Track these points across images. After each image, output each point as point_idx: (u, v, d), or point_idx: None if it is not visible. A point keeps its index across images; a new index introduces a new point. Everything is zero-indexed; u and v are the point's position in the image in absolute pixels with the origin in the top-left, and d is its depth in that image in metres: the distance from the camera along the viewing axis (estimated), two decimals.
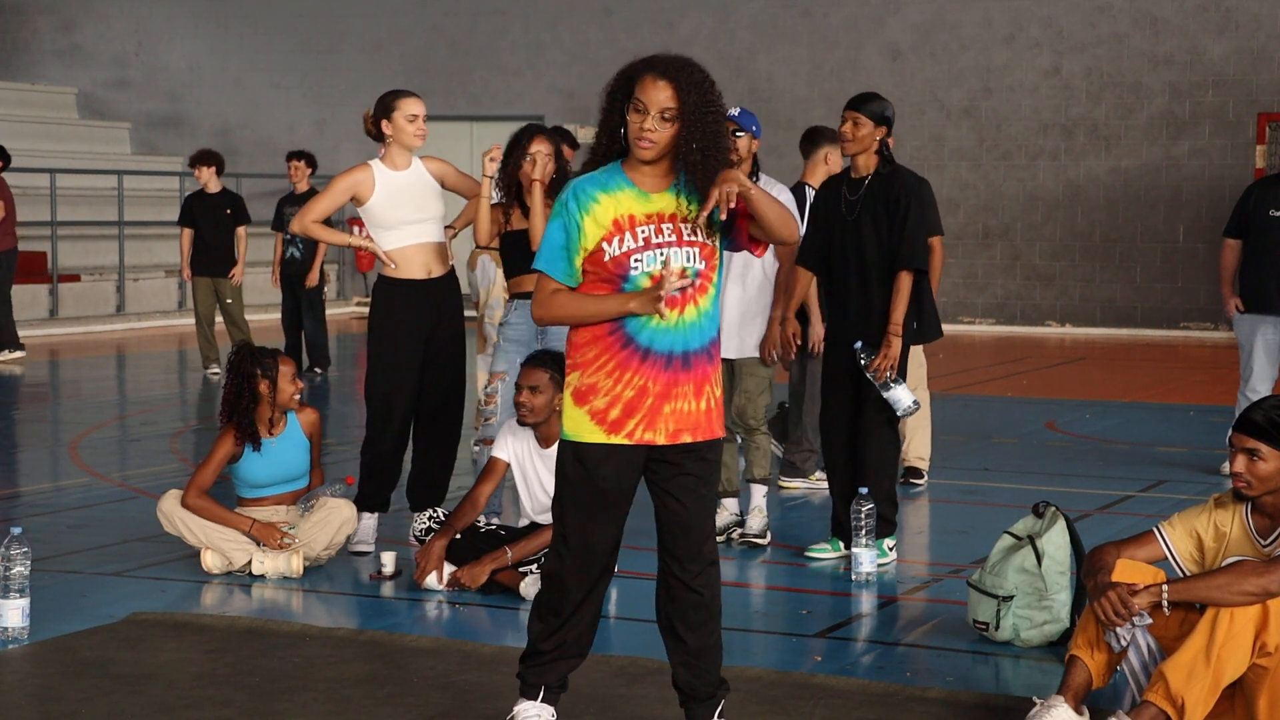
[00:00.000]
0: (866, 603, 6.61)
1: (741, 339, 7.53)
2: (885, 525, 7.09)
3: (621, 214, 4.46)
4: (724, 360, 7.49)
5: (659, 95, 4.39)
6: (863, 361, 6.86)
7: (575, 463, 4.54)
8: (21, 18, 25.50)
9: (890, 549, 7.13)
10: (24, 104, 24.04)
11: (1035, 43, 20.47)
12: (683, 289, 4.42)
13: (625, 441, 4.48)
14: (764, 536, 7.53)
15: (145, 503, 8.20)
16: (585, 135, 22.27)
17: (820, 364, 7.66)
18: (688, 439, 4.51)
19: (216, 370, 14.60)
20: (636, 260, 4.44)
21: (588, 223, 4.46)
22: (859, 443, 7.03)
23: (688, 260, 4.44)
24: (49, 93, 24.73)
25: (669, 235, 4.46)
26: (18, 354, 15.72)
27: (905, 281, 6.88)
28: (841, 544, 7.21)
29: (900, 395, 6.91)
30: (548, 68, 22.52)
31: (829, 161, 8.67)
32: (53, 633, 5.90)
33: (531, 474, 6.76)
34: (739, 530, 7.62)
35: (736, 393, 7.57)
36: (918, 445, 9.04)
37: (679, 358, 4.47)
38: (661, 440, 4.49)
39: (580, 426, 4.52)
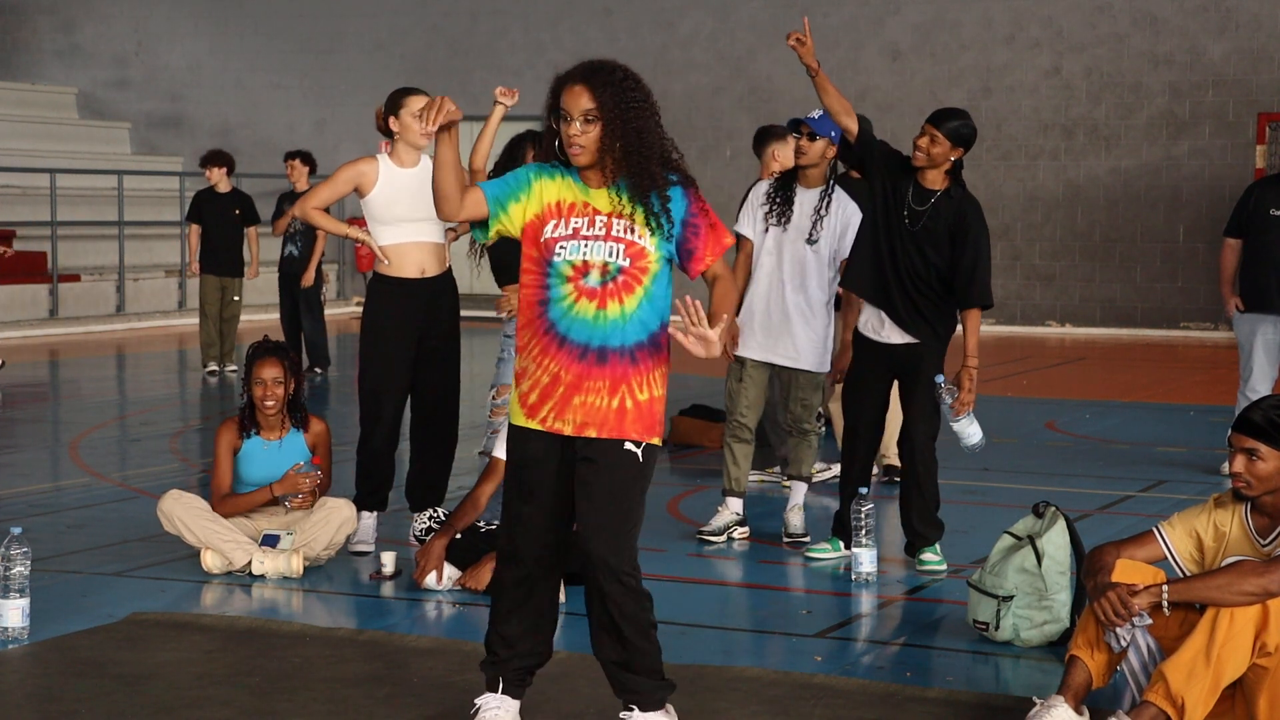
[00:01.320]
0: (866, 603, 6.61)
1: (800, 352, 7.48)
2: (937, 530, 7.08)
3: (562, 199, 4.61)
4: (782, 367, 7.51)
5: (578, 101, 4.56)
6: (944, 397, 6.82)
7: (509, 445, 4.70)
8: (21, 18, 25.50)
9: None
10: (24, 104, 24.03)
11: (1035, 43, 20.47)
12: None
13: (538, 427, 4.58)
14: (805, 535, 7.53)
15: (145, 503, 8.19)
16: None
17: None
18: (592, 433, 4.54)
19: (215, 369, 14.63)
20: (561, 248, 4.56)
21: (537, 187, 4.63)
22: (910, 453, 7.02)
23: (610, 255, 4.54)
24: (49, 93, 24.74)
25: (598, 229, 4.56)
26: None
27: (977, 318, 6.85)
28: (841, 544, 7.20)
29: (974, 430, 6.89)
30: (548, 68, 22.46)
31: (777, 158, 8.66)
32: (53, 633, 5.90)
33: None
34: (742, 530, 7.62)
35: (792, 399, 7.55)
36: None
37: (594, 351, 4.53)
38: (568, 431, 4.56)
39: (514, 409, 4.66)
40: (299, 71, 23.91)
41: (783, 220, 7.46)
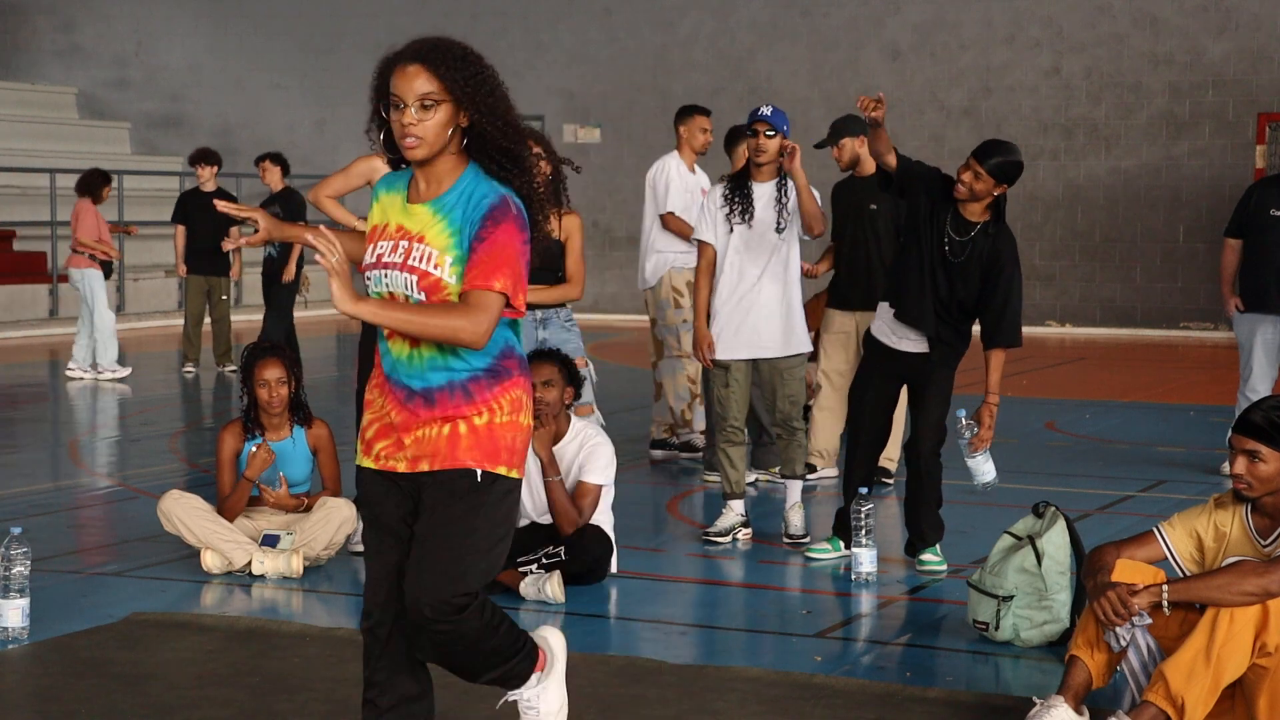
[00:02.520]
0: (866, 603, 6.61)
1: (788, 337, 7.51)
2: (939, 532, 7.08)
3: (383, 219, 4.06)
4: (764, 360, 7.52)
5: (414, 83, 3.89)
6: (963, 433, 6.79)
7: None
8: (21, 18, 25.50)
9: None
10: (24, 104, 24.03)
11: (1035, 42, 20.48)
12: None
13: (373, 465, 4.09)
14: (806, 535, 7.52)
15: (145, 503, 8.20)
16: (586, 135, 22.31)
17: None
18: (425, 466, 4.00)
19: (192, 370, 14.66)
20: (368, 278, 4.03)
21: (371, 211, 4.13)
22: (917, 456, 6.99)
23: (406, 288, 3.93)
24: (49, 92, 24.74)
25: (399, 255, 3.96)
26: None
27: (1001, 357, 6.81)
28: (841, 543, 7.21)
29: (988, 468, 6.89)
30: (548, 68, 22.52)
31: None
32: (53, 633, 5.90)
33: (535, 474, 6.77)
34: (745, 532, 7.62)
35: (779, 395, 7.54)
36: (888, 447, 9.14)
37: (419, 394, 3.99)
38: (402, 467, 4.03)
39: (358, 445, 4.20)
40: (299, 71, 23.91)
41: (746, 217, 7.48)
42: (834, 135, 9.12)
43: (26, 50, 25.47)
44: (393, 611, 4.07)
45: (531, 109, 22.11)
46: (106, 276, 14.65)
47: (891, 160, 6.92)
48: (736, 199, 7.51)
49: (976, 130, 20.57)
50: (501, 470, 3.99)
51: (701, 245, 7.57)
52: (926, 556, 7.01)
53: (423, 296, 3.91)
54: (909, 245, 6.93)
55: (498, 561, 4.04)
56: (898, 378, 7.06)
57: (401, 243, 3.96)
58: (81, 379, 14.29)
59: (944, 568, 6.98)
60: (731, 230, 7.50)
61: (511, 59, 22.64)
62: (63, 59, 25.32)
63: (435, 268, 3.91)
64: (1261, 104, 19.53)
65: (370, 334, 7.03)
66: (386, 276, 3.96)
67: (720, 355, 7.52)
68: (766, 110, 7.43)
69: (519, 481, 4.06)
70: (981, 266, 6.76)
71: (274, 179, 14.26)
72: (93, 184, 14.49)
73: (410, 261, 3.93)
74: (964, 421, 6.81)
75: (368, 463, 4.09)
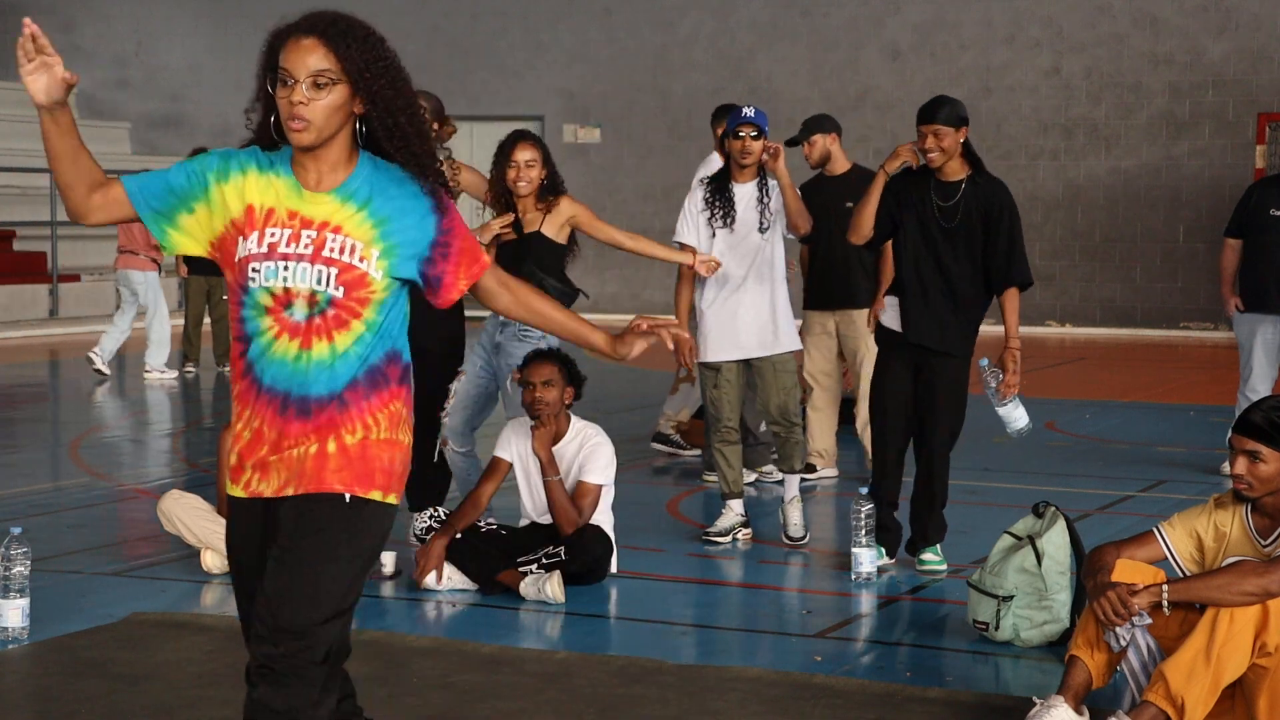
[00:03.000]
0: (866, 603, 6.61)
1: (776, 336, 7.51)
2: (941, 532, 7.03)
3: (262, 202, 3.53)
4: (755, 360, 7.51)
5: (307, 59, 3.44)
6: (989, 381, 6.74)
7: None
8: (20, 17, 25.47)
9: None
10: (24, 104, 23.88)
11: (1035, 42, 20.48)
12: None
13: (243, 493, 3.62)
14: (804, 537, 7.51)
15: (145, 503, 8.20)
16: (586, 135, 22.30)
17: None
18: (291, 490, 3.54)
19: (192, 370, 14.66)
20: (255, 270, 3.49)
21: (219, 191, 3.54)
22: (928, 454, 6.90)
23: (318, 282, 3.47)
24: None
25: (304, 246, 3.48)
26: None
27: (1016, 298, 6.76)
28: (884, 550, 7.03)
29: (1020, 414, 6.84)
30: (548, 68, 22.53)
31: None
32: (53, 633, 5.90)
33: (535, 474, 6.77)
34: (745, 532, 7.62)
35: (773, 391, 7.52)
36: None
37: (294, 402, 3.52)
38: (269, 492, 3.57)
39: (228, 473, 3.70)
40: None
41: (728, 220, 7.48)
42: (805, 131, 9.13)
43: None
44: None
45: (531, 109, 22.11)
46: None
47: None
48: (718, 202, 7.50)
49: (976, 130, 20.54)
50: (377, 496, 3.55)
51: (683, 248, 7.57)
52: (927, 556, 7.00)
53: (340, 292, 3.48)
54: (900, 254, 6.91)
55: (356, 591, 3.61)
56: (915, 365, 6.93)
57: (305, 232, 3.49)
58: (161, 377, 14.27)
59: (944, 568, 6.97)
60: (714, 234, 7.49)
61: (511, 59, 22.64)
62: (63, 59, 25.25)
63: (361, 260, 3.48)
64: (1261, 104, 19.54)
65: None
66: (285, 269, 3.48)
67: (709, 357, 7.52)
68: (750, 112, 7.43)
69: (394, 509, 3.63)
70: (981, 216, 6.73)
71: None
72: None
73: (326, 253, 3.47)
74: (988, 369, 6.74)
75: (237, 490, 3.64)
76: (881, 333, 7.09)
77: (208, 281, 14.71)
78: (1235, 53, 19.63)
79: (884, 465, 7.00)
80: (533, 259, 7.12)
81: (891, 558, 7.03)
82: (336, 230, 3.49)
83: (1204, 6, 19.74)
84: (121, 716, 5.01)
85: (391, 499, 3.60)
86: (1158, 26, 19.93)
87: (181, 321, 15.31)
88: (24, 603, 5.82)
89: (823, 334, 9.13)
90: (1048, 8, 20.38)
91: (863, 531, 6.79)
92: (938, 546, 7.02)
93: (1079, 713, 4.76)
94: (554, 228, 7.19)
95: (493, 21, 22.56)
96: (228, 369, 14.64)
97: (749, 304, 7.48)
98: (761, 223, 7.45)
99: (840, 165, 9.10)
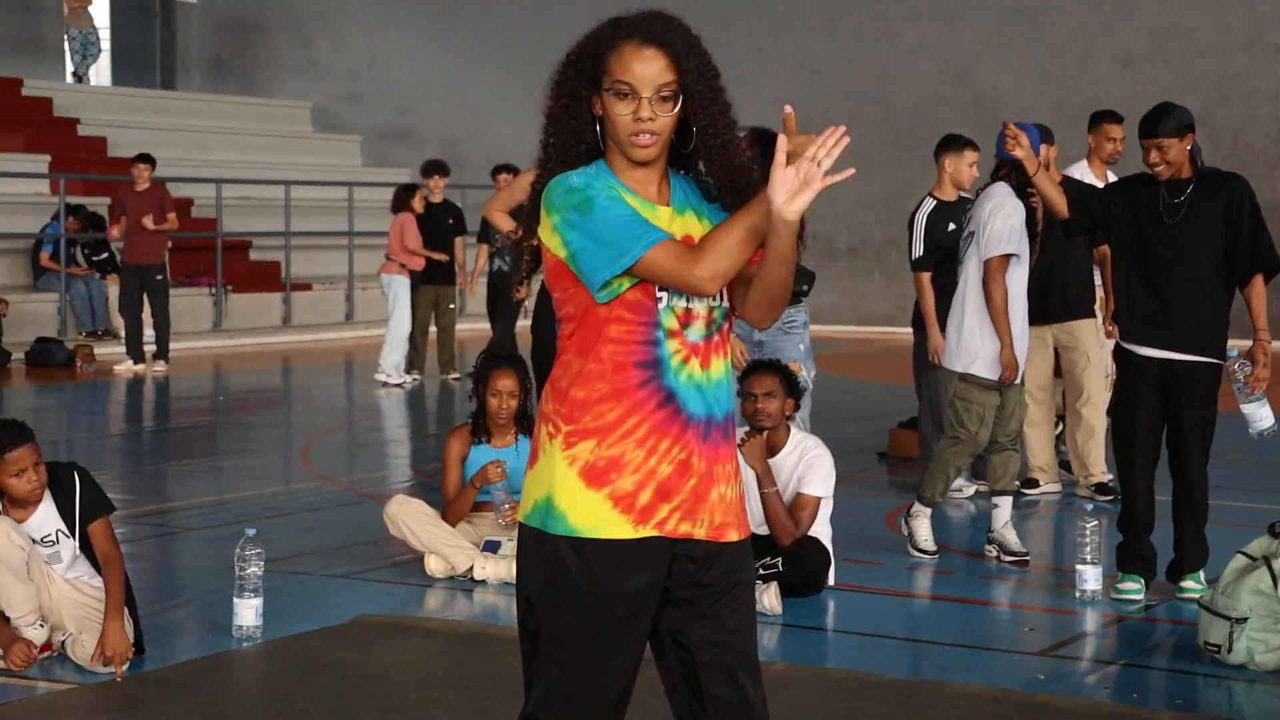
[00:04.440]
0: (1091, 621, 6.48)
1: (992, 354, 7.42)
2: (1204, 557, 6.72)
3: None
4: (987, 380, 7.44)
5: (650, 70, 3.17)
6: (1237, 374, 6.47)
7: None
8: (262, 34, 26.30)
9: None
10: (262, 117, 24.77)
11: (1275, 48, 19.87)
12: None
13: (654, 534, 3.19)
14: (1026, 552, 7.37)
15: (372, 507, 8.38)
16: None
17: (940, 373, 7.92)
18: (734, 535, 3.26)
19: (417, 377, 14.87)
20: (660, 295, 3.19)
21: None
22: (1187, 476, 6.64)
23: (708, 305, 3.24)
24: (285, 107, 25.45)
25: None
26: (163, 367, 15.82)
27: (1263, 287, 6.52)
28: (1143, 579, 6.77)
29: (1265, 413, 6.55)
30: (770, 78, 22.52)
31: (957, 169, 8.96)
32: (284, 632, 6.07)
33: (751, 484, 6.76)
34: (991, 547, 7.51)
35: (1005, 414, 7.43)
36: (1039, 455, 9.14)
37: (718, 425, 3.24)
38: (701, 534, 3.22)
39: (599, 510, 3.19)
40: (524, 83, 24.19)
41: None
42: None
43: (266, 66, 26.24)
44: None
45: (754, 119, 22.03)
46: (413, 285, 14.90)
47: (1063, 206, 6.74)
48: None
49: (1212, 139, 20.04)
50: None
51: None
52: (1188, 584, 6.64)
53: (728, 305, 3.27)
54: (1121, 258, 6.74)
55: None
56: (1159, 388, 6.64)
57: None
58: (390, 379, 14.62)
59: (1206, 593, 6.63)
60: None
61: (734, 69, 22.55)
62: (299, 74, 26.04)
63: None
64: None
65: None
66: (683, 295, 3.20)
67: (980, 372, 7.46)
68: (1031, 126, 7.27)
69: None
70: (1223, 207, 6.49)
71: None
72: (399, 200, 14.91)
73: None
74: (1237, 361, 6.47)
75: (645, 531, 3.18)
76: (1120, 355, 6.79)
77: (435, 291, 14.96)
78: None
79: (1136, 497, 6.71)
80: None
81: (1147, 587, 6.73)
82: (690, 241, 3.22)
83: None
84: (349, 716, 5.13)
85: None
86: None
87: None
88: (258, 602, 5.99)
89: (1040, 347, 8.98)
90: None
91: (1088, 548, 6.65)
92: (1200, 574, 6.66)
93: None
94: None
95: (716, 32, 22.44)
96: (452, 376, 14.89)
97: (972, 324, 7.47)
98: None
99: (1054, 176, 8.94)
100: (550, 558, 3.18)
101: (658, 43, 3.17)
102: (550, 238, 3.19)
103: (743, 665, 3.24)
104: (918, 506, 7.50)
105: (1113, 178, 9.30)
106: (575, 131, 3.23)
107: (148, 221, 15.09)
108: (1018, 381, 7.43)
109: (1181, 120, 6.57)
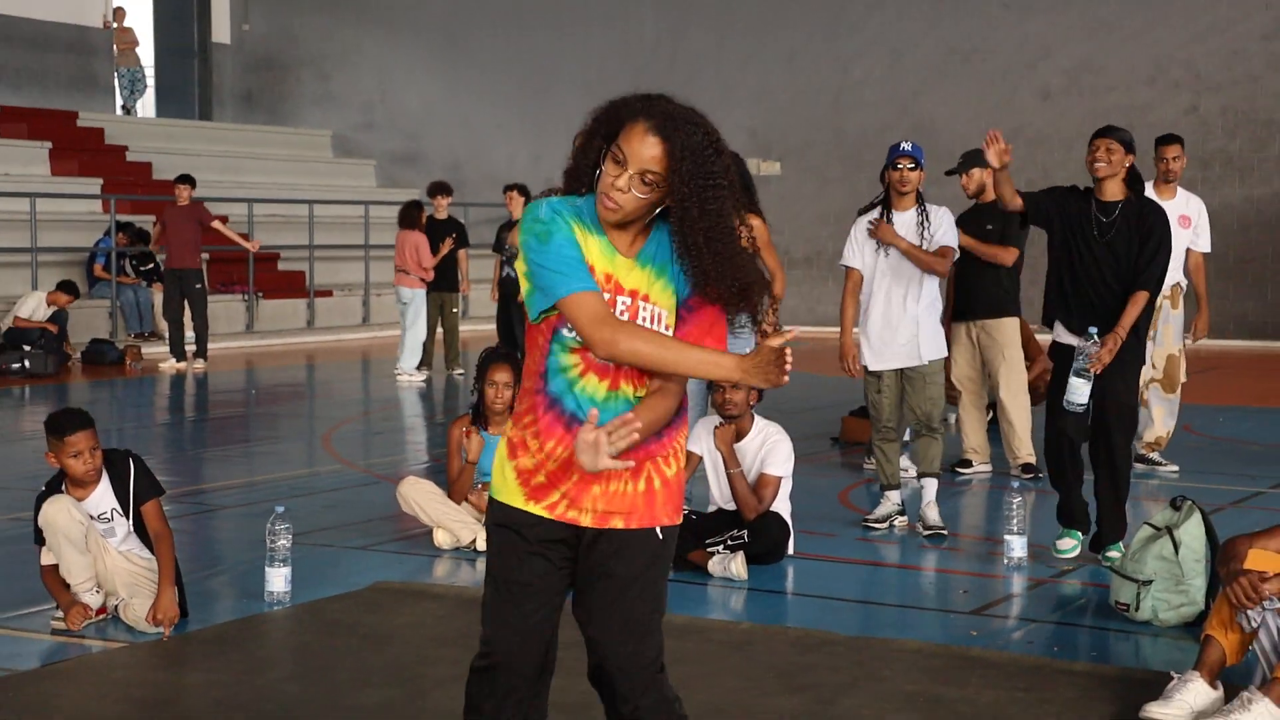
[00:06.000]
0: (1017, 585, 6.50)
1: (925, 349, 7.39)
2: (1122, 527, 6.72)
3: (602, 270, 3.20)
4: (908, 370, 7.42)
5: (643, 152, 3.12)
6: (1088, 348, 6.43)
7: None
8: (286, 70, 26.22)
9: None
10: (287, 145, 24.75)
11: (1175, 83, 19.94)
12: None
13: (545, 514, 3.26)
14: (944, 527, 7.39)
15: (386, 487, 8.37)
16: (768, 168, 22.23)
17: None
18: (619, 523, 3.27)
19: (426, 373, 14.85)
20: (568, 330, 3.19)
21: (565, 237, 3.19)
22: (1109, 453, 6.63)
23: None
24: (308, 135, 25.41)
25: (620, 313, 3.18)
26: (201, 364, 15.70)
27: (1141, 300, 6.51)
28: (1079, 533, 6.85)
29: (1084, 393, 6.48)
30: (735, 107, 22.50)
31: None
32: (309, 597, 6.06)
33: (721, 466, 6.77)
34: (901, 519, 7.53)
35: (920, 399, 7.40)
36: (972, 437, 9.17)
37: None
38: (587, 521, 3.25)
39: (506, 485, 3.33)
40: (518, 110, 24.19)
41: (886, 246, 7.39)
42: (964, 164, 9.08)
43: (290, 99, 26.16)
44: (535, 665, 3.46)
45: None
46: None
47: (1018, 202, 6.76)
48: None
49: None
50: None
51: (849, 270, 7.52)
52: (1113, 553, 6.62)
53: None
54: (1059, 259, 6.75)
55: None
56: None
57: (620, 298, 3.19)
58: (410, 379, 14.54)
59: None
60: (876, 262, 7.41)
61: (702, 99, 22.54)
62: (320, 106, 25.96)
63: (666, 329, 3.22)
64: None
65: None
66: None
67: (873, 366, 7.46)
68: (908, 146, 7.37)
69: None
70: (1137, 233, 6.54)
71: (517, 207, 14.52)
72: (408, 216, 14.85)
73: (640, 322, 3.19)
74: (1092, 341, 6.45)
75: (535, 509, 3.26)
76: (1056, 351, 6.78)
77: (440, 296, 14.95)
78: None
79: (1062, 463, 6.73)
80: None
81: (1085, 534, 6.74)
82: (645, 299, 3.21)
83: None
84: (368, 671, 5.13)
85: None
86: None
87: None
88: (286, 570, 5.99)
89: (966, 342, 9.06)
90: (1187, 51, 19.83)
91: (1014, 521, 6.68)
92: (1120, 543, 6.66)
93: (1213, 687, 4.64)
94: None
95: (687, 66, 22.60)
96: (456, 371, 14.87)
97: (908, 320, 7.39)
98: (920, 246, 7.36)
99: (992, 195, 8.99)
100: (491, 515, 3.34)
101: (661, 135, 3.12)
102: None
103: (616, 637, 3.40)
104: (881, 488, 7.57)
105: (1183, 193, 9.48)
106: (584, 167, 3.25)
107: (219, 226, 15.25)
108: (918, 372, 7.38)
109: (1128, 139, 6.70)
